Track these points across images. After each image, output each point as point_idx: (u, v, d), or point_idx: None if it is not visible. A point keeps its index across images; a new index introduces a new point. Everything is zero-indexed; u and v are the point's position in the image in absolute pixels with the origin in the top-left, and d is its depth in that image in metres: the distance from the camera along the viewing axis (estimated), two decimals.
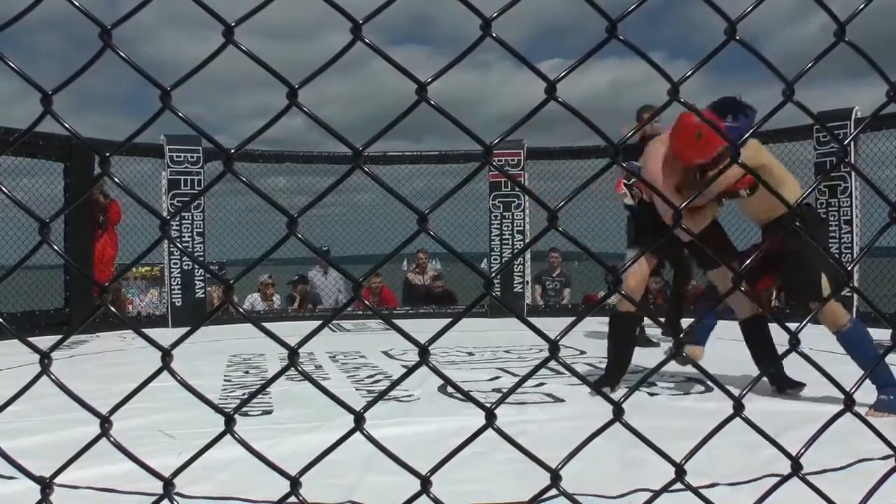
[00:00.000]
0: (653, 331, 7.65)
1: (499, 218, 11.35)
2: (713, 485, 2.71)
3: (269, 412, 4.25)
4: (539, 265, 12.50)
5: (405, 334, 1.09)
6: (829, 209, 9.41)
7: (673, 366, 5.37)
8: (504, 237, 11.32)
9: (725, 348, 7.07)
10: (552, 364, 1.05)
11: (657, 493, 1.16)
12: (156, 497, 1.09)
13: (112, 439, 1.06)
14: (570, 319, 1.27)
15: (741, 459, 2.81)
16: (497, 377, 5.45)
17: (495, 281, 10.31)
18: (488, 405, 1.09)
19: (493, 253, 11.32)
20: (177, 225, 10.10)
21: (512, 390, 1.20)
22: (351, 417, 1.06)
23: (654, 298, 10.11)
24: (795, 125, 9.34)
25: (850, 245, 9.24)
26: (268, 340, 1.10)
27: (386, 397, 1.14)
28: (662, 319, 5.96)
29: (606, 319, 5.24)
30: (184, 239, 10.17)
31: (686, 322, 7.31)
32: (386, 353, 6.96)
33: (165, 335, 8.90)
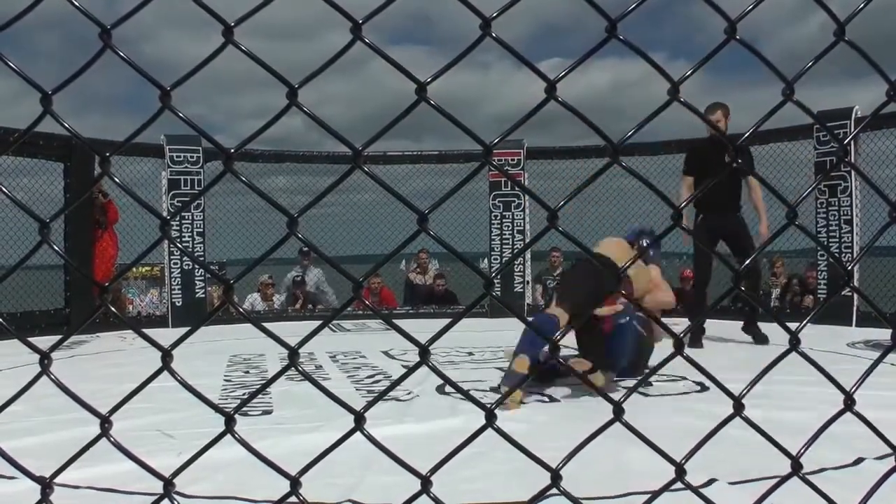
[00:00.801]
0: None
1: (499, 217, 11.36)
2: (711, 481, 2.71)
3: (270, 412, 4.25)
4: (539, 265, 12.50)
5: (405, 334, 1.09)
6: (830, 208, 9.42)
7: (672, 366, 5.36)
8: (504, 237, 11.32)
9: (726, 348, 7.09)
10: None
11: (657, 493, 1.17)
12: (156, 497, 1.09)
13: (112, 439, 1.06)
14: None
15: (741, 459, 2.81)
16: (497, 377, 5.44)
17: (495, 281, 10.37)
18: (488, 405, 1.09)
19: (493, 253, 11.32)
20: (177, 225, 10.10)
21: (512, 390, 1.20)
22: (351, 417, 1.06)
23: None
24: (795, 125, 9.34)
25: (850, 245, 9.24)
26: (268, 340, 1.10)
27: (386, 397, 1.15)
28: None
29: None
30: (184, 239, 10.17)
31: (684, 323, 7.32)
32: (386, 353, 6.96)
33: (165, 335, 8.89)
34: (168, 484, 1.07)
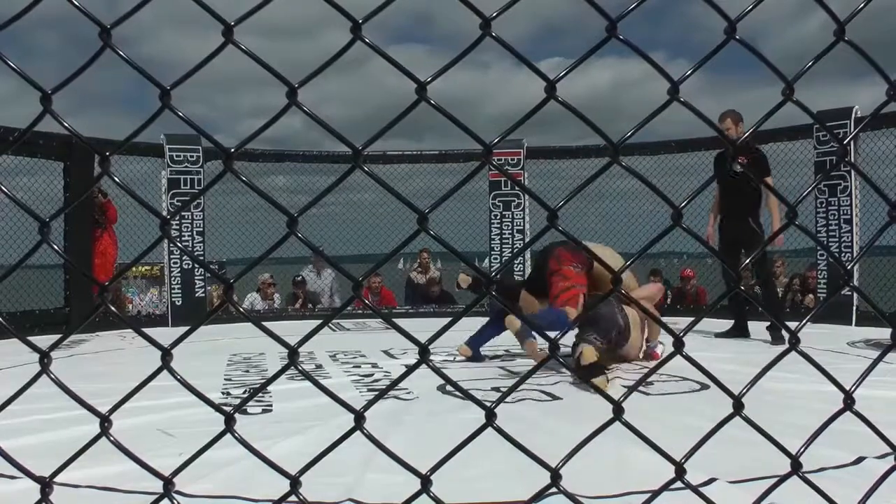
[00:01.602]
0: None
1: (499, 217, 11.36)
2: (712, 480, 2.71)
3: (270, 411, 4.25)
4: None
5: (405, 333, 1.09)
6: (829, 208, 9.42)
7: (672, 365, 5.36)
8: (504, 236, 11.32)
9: (726, 346, 7.09)
10: (552, 363, 1.05)
11: (657, 492, 1.17)
12: (156, 496, 1.09)
13: (112, 438, 1.06)
14: None
15: (741, 458, 2.81)
16: (497, 376, 5.44)
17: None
18: (488, 404, 1.09)
19: (493, 252, 11.32)
20: (177, 224, 10.09)
21: (512, 389, 1.20)
22: (351, 416, 1.06)
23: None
24: (795, 124, 9.35)
25: (849, 244, 9.25)
26: (268, 339, 1.10)
27: (386, 396, 1.15)
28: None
29: None
30: (184, 238, 10.16)
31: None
32: (386, 352, 6.95)
33: (165, 334, 8.88)
34: (168, 483, 1.07)
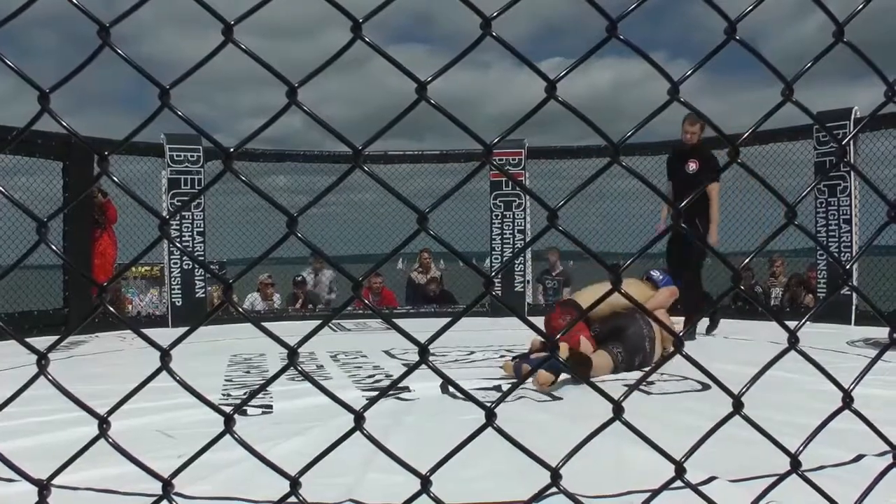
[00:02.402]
0: None
1: (500, 217, 11.35)
2: (712, 479, 2.71)
3: (270, 412, 4.24)
4: (541, 264, 12.54)
5: (405, 333, 1.08)
6: (829, 208, 9.43)
7: (672, 364, 5.37)
8: (505, 236, 11.32)
9: (726, 345, 7.10)
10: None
11: (657, 491, 1.16)
12: (155, 498, 1.09)
13: (110, 440, 1.06)
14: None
15: (741, 457, 2.80)
16: (497, 377, 5.44)
17: (497, 280, 10.37)
18: (488, 404, 1.09)
19: (494, 252, 11.32)
20: (177, 224, 10.09)
21: (512, 389, 1.20)
22: (351, 417, 1.06)
23: None
24: (795, 125, 9.36)
25: (849, 244, 9.26)
26: (268, 340, 1.10)
27: (386, 396, 1.14)
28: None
29: None
30: (184, 238, 10.16)
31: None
32: (387, 352, 6.95)
33: (165, 335, 8.83)
34: (167, 485, 1.07)
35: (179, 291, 10.31)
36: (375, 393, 4.51)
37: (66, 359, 6.90)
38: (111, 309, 1.07)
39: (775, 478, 1.26)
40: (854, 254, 9.11)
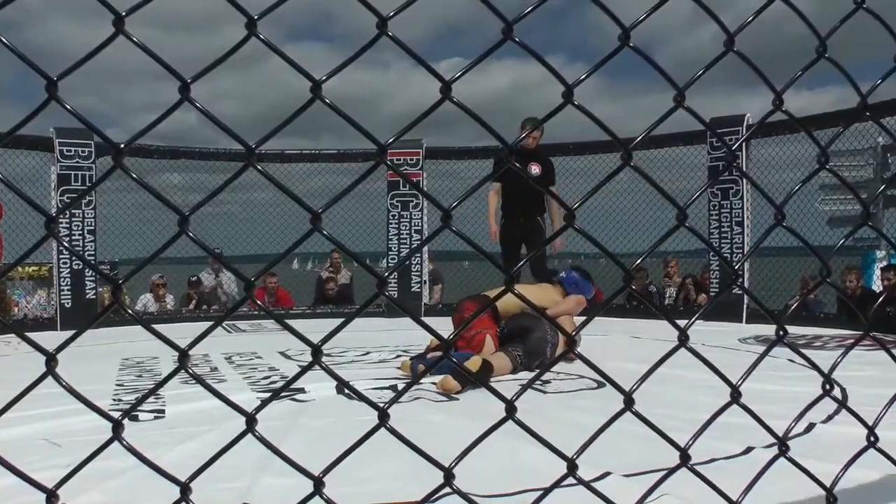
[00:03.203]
0: None
1: (397, 217, 11.37)
2: (606, 474, 2.76)
3: (162, 416, 4.14)
4: (438, 264, 12.66)
5: (297, 334, 1.07)
6: (722, 211, 9.77)
7: (573, 364, 5.48)
8: (402, 236, 11.34)
9: (622, 344, 7.27)
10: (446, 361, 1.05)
11: (549, 490, 1.18)
12: None
13: None
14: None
15: (634, 453, 2.86)
16: (393, 377, 5.44)
17: (391, 280, 10.37)
18: (382, 404, 1.08)
19: (391, 252, 11.32)
20: (66, 222, 9.75)
21: (406, 389, 1.20)
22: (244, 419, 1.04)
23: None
24: (691, 129, 9.67)
25: (741, 245, 9.61)
26: (162, 342, 1.07)
27: (281, 398, 1.13)
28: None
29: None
30: (74, 237, 9.82)
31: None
32: (283, 353, 6.88)
33: (54, 338, 8.54)
34: (52, 496, 1.03)
35: (69, 293, 9.96)
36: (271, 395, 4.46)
37: None
38: None
39: (665, 471, 1.30)
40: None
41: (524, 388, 1.19)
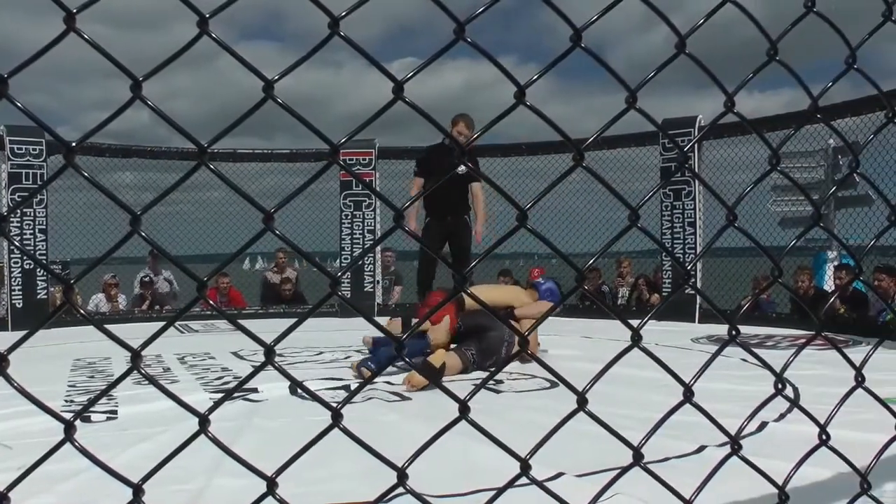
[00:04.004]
0: None
1: (350, 217, 11.37)
2: (559, 474, 2.78)
3: (115, 417, 4.09)
4: (399, 264, 12.68)
5: (250, 334, 1.07)
6: (674, 211, 9.88)
7: (525, 365, 5.50)
8: (355, 236, 11.33)
9: (576, 344, 7.31)
10: (401, 363, 1.06)
11: (502, 490, 1.19)
12: None
13: None
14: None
15: (588, 452, 2.89)
16: (345, 377, 5.42)
17: (345, 280, 10.33)
18: (335, 405, 1.08)
19: (343, 252, 11.30)
20: (17, 221, 9.59)
21: (359, 389, 1.20)
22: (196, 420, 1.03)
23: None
24: (643, 131, 9.76)
25: (693, 246, 9.72)
26: (115, 343, 1.05)
27: (234, 398, 1.12)
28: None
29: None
30: (25, 236, 9.67)
31: None
32: (235, 353, 6.83)
33: (5, 339, 8.42)
34: (3, 499, 1.01)
35: (20, 293, 9.80)
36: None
37: None
38: None
39: (619, 470, 1.31)
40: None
41: (478, 387, 1.19)
